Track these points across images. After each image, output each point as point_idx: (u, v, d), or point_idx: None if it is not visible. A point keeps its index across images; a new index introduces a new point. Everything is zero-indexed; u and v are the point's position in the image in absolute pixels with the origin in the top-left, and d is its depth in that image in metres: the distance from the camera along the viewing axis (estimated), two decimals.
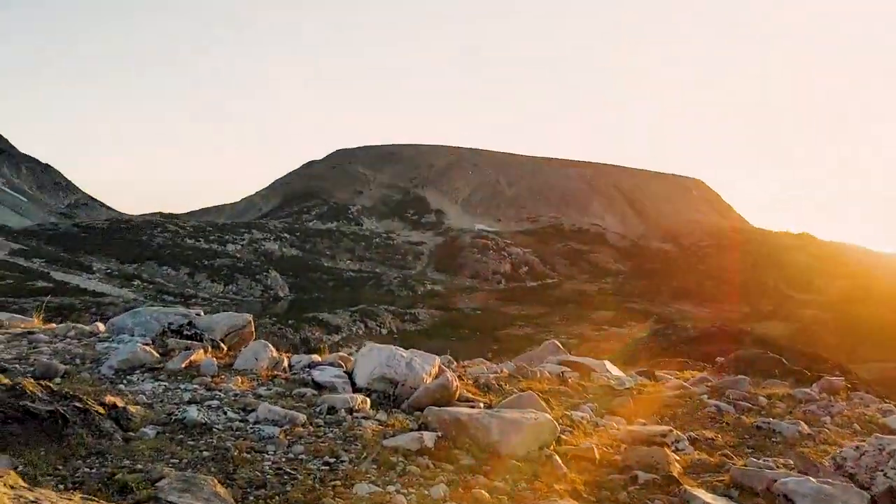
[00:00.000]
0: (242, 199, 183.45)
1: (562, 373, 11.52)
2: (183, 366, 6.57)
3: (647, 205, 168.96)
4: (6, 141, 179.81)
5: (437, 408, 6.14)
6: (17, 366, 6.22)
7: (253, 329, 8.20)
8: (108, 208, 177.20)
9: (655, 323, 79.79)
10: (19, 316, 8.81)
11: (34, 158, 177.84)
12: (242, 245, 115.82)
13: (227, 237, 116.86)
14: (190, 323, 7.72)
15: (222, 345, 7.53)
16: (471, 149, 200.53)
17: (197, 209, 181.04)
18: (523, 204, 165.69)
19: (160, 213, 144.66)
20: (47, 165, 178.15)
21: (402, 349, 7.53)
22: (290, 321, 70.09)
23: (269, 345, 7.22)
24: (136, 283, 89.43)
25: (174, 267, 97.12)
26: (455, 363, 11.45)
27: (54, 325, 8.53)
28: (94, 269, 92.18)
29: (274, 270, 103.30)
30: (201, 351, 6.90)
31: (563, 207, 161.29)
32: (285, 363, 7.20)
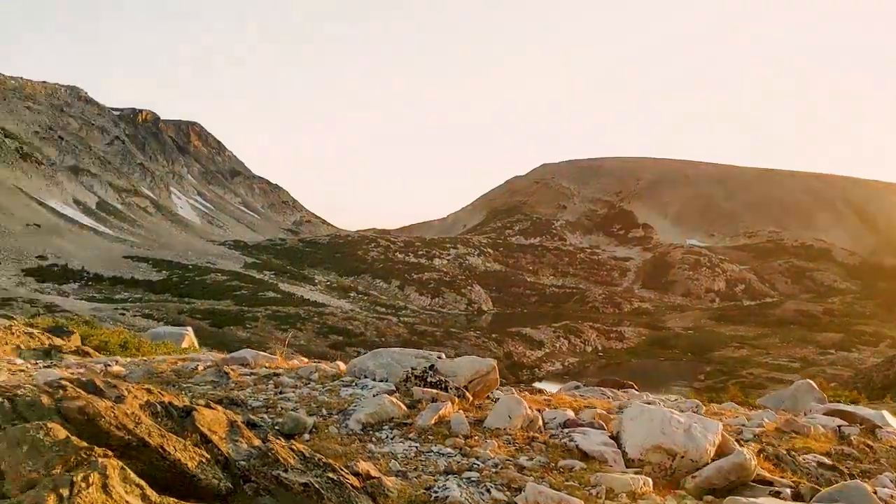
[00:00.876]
0: (449, 215, 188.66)
1: (838, 427, 9.74)
2: (432, 422, 5.99)
3: (880, 218, 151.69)
4: (242, 164, 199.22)
5: (744, 500, 4.95)
6: (264, 416, 5.94)
7: (497, 375, 7.49)
8: (329, 224, 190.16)
9: (889, 347, 71.20)
10: (265, 353, 8.69)
11: (266, 179, 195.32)
12: (448, 259, 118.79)
13: (434, 252, 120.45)
14: (432, 367, 7.17)
15: (467, 393, 6.89)
16: (683, 160, 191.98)
17: (407, 224, 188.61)
18: (740, 218, 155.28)
19: (374, 229, 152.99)
20: (277, 186, 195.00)
21: (676, 412, 6.43)
22: (493, 335, 70.42)
23: (522, 399, 6.44)
24: (352, 294, 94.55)
25: (386, 280, 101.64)
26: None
27: (297, 362, 8.37)
28: (316, 281, 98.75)
29: (478, 285, 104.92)
30: (449, 405, 6.28)
31: (784, 221, 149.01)
32: (540, 421, 6.38)
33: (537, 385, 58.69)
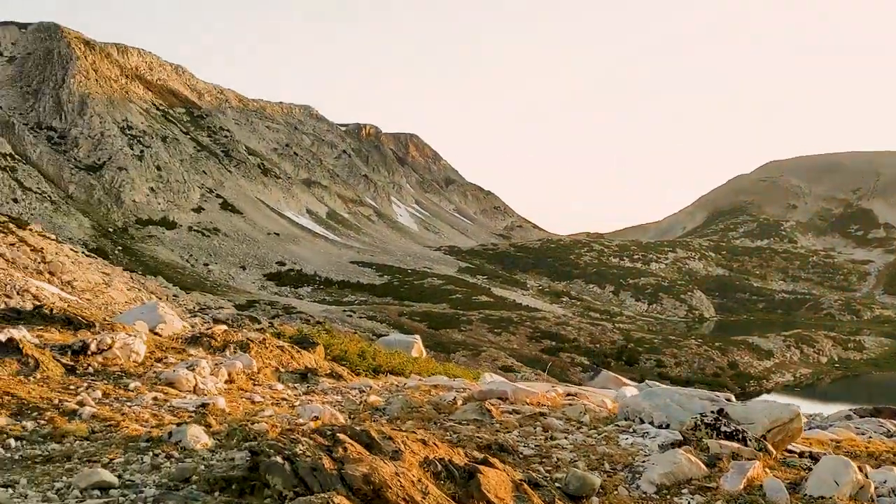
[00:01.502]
0: (666, 218, 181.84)
1: None
2: (741, 487, 5.00)
3: None
4: (456, 172, 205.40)
5: None
6: (539, 468, 5.26)
7: (801, 423, 6.28)
8: (540, 229, 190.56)
9: None
10: (522, 386, 8.00)
11: (478, 186, 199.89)
12: (666, 264, 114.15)
13: (650, 256, 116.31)
14: (723, 412, 6.12)
15: (769, 446, 5.78)
16: None
17: (621, 228, 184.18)
18: None
19: (586, 233, 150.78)
20: (489, 192, 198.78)
21: None
22: (716, 343, 66.56)
23: (849, 461, 5.23)
24: (564, 299, 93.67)
25: (600, 285, 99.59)
26: None
27: (561, 400, 7.67)
28: (528, 285, 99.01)
29: (699, 290, 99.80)
30: (757, 464, 5.22)
31: None
32: (871, 489, 5.12)
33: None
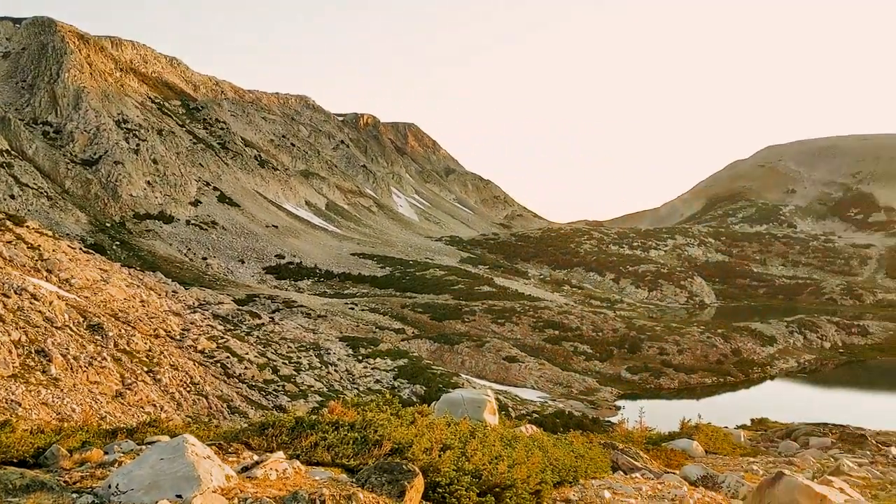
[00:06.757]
0: (664, 204, 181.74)
1: None
2: None
3: None
4: (456, 161, 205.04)
5: None
6: None
7: None
8: (540, 218, 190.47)
9: None
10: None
11: (478, 175, 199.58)
12: (666, 251, 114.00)
13: (650, 243, 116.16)
14: None
15: None
16: None
17: (620, 216, 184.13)
18: None
19: (585, 221, 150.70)
20: (488, 181, 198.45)
21: None
22: (719, 330, 66.33)
23: None
24: (565, 287, 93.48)
25: (600, 273, 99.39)
26: None
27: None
28: (530, 274, 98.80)
29: (699, 276, 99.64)
30: None
31: None
32: None
33: (770, 384, 53.42)
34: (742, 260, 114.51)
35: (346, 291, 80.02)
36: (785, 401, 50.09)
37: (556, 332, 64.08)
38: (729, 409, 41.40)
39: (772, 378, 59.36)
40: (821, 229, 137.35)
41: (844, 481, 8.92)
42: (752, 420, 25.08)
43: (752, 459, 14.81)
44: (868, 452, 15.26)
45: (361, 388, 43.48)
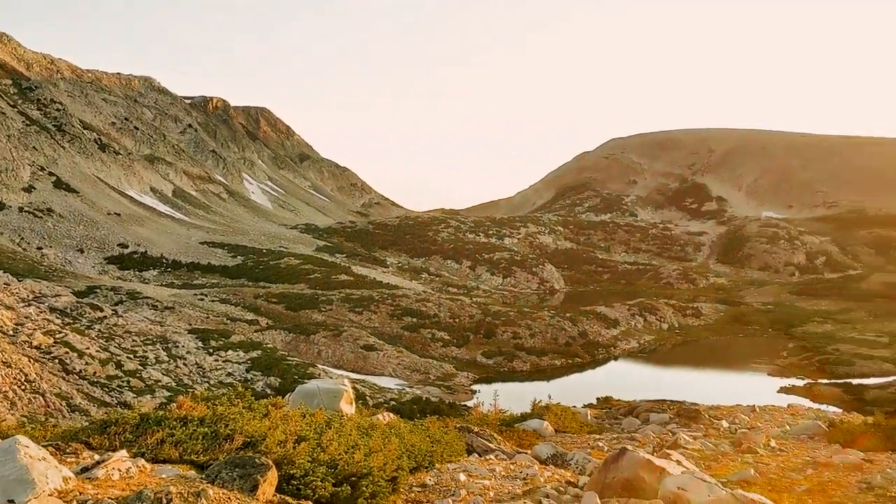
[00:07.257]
0: (517, 194, 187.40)
1: None
2: None
3: None
4: (311, 147, 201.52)
5: None
6: None
7: None
8: (398, 206, 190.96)
9: None
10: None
11: (334, 162, 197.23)
12: (519, 239, 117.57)
13: (504, 231, 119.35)
14: None
15: None
16: (757, 130, 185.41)
17: (476, 204, 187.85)
18: (818, 188, 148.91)
19: (442, 210, 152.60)
20: (345, 168, 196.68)
21: None
22: (567, 314, 68.98)
23: None
24: (423, 275, 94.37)
25: (457, 261, 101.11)
26: None
27: None
28: (388, 263, 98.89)
29: (549, 263, 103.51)
30: None
31: (867, 191, 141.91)
32: None
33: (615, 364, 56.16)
34: (588, 247, 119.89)
35: (195, 282, 76.83)
36: (628, 380, 52.83)
37: (415, 320, 64.54)
38: (577, 389, 43.27)
39: (615, 358, 62.48)
40: (659, 218, 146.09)
41: (681, 454, 9.56)
42: (598, 399, 26.33)
43: (598, 437, 15.55)
44: (702, 426, 16.42)
45: (213, 382, 41.94)
